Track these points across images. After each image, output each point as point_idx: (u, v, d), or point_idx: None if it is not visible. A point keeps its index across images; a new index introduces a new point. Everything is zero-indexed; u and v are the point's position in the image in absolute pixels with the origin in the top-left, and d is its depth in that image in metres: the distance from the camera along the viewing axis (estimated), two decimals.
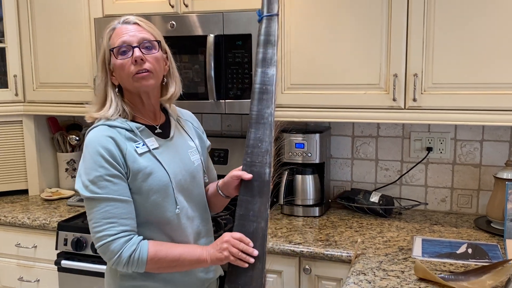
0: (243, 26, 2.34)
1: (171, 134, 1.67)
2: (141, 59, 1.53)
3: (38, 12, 2.79)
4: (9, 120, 2.92)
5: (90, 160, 1.51)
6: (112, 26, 1.60)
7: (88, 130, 1.59)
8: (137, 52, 1.54)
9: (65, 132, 3.10)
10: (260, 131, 1.58)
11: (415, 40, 2.15)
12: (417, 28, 2.14)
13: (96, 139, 1.53)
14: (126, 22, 1.59)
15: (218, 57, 2.41)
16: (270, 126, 1.59)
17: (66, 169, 3.08)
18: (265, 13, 1.62)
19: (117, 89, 1.61)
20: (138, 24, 1.60)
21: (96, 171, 1.50)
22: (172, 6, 2.49)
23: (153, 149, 1.59)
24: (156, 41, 1.60)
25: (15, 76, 2.86)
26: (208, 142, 1.87)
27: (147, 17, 2.46)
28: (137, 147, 1.56)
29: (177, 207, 1.59)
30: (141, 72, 1.54)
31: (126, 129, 1.57)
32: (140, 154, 1.56)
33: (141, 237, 1.55)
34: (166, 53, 1.66)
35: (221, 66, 2.42)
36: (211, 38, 2.37)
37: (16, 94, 2.88)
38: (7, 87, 2.88)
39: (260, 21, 1.64)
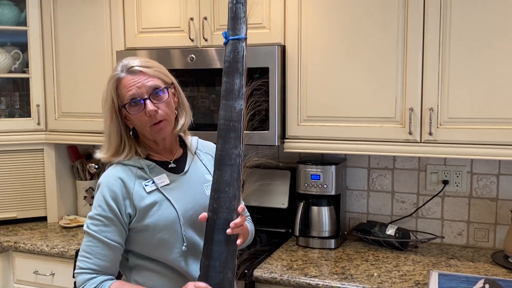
0: (260, 60, 2.39)
1: (186, 169, 1.68)
2: (155, 111, 1.55)
3: (62, 44, 2.88)
4: (31, 148, 2.99)
5: (96, 198, 1.59)
6: (116, 76, 1.58)
7: (107, 166, 1.65)
8: (149, 105, 1.54)
9: (84, 160, 3.15)
10: (227, 173, 1.42)
11: (431, 74, 2.18)
12: (433, 62, 2.17)
13: (106, 179, 1.59)
14: (130, 72, 1.56)
15: None
16: (238, 169, 1.43)
17: (85, 197, 3.13)
18: (230, 36, 1.42)
19: (131, 131, 1.63)
20: (143, 72, 1.56)
21: (95, 209, 1.57)
22: (192, 40, 2.56)
23: (163, 186, 1.60)
24: (165, 87, 1.59)
25: (38, 105, 2.94)
26: None
27: (167, 50, 2.54)
28: (146, 185, 1.59)
29: (184, 244, 1.59)
30: (157, 123, 1.56)
31: (138, 167, 1.60)
32: (149, 192, 1.58)
33: (106, 277, 1.56)
34: (173, 86, 1.65)
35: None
36: None
37: (38, 123, 2.95)
38: (29, 116, 2.96)
39: (226, 44, 1.43)
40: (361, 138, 2.32)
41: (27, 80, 2.96)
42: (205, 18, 2.52)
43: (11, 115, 3.03)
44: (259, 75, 2.42)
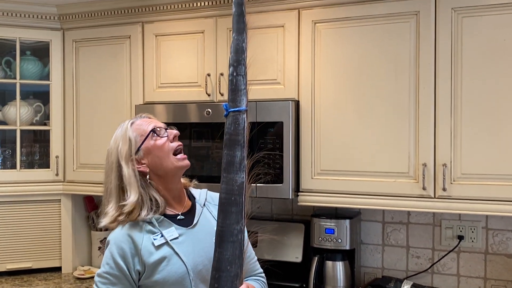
0: (275, 114, 2.45)
1: (195, 222, 1.67)
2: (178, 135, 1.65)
3: (83, 97, 2.97)
4: (48, 199, 3.04)
5: (105, 255, 1.59)
6: (129, 121, 1.67)
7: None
8: (174, 130, 1.66)
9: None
10: (228, 251, 1.36)
11: (443, 130, 2.21)
12: (445, 118, 2.21)
13: (114, 236, 1.59)
14: (140, 118, 1.70)
15: (250, 142, 2.49)
16: (240, 245, 1.37)
17: (99, 248, 3.14)
18: (231, 108, 1.39)
19: (148, 180, 1.62)
20: (151, 117, 1.71)
21: (103, 267, 1.57)
22: (209, 95, 2.63)
23: (171, 239, 1.59)
24: None
25: (57, 157, 3.01)
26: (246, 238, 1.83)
27: (184, 105, 2.61)
28: (154, 239, 1.58)
29: None
30: (180, 151, 1.64)
31: (147, 222, 1.60)
32: (157, 247, 1.57)
33: None
34: None
35: (253, 151, 2.50)
36: None
37: (57, 174, 3.01)
38: (48, 167, 3.02)
39: (226, 116, 1.41)
40: (375, 193, 2.33)
41: (47, 132, 3.05)
42: (222, 74, 2.60)
43: (30, 166, 3.10)
44: (273, 129, 2.47)
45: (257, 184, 2.48)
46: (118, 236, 1.57)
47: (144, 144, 1.62)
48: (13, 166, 3.03)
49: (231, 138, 1.38)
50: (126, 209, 1.57)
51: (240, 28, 1.38)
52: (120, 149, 1.62)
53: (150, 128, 1.63)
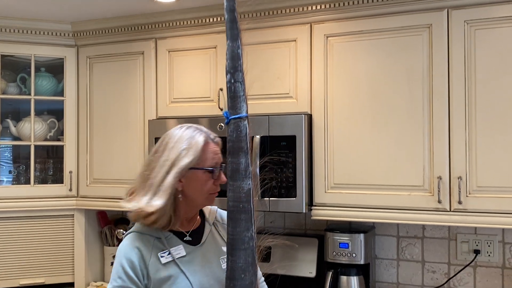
0: (288, 128, 2.45)
1: (203, 240, 1.65)
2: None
3: (96, 112, 3.00)
4: (61, 214, 3.05)
5: (115, 269, 1.57)
6: (205, 136, 1.60)
7: (124, 234, 1.64)
8: (223, 177, 1.59)
9: (113, 226, 3.19)
10: (241, 259, 1.34)
11: (458, 142, 2.20)
12: (459, 130, 2.19)
13: (124, 249, 1.57)
14: (214, 141, 1.62)
15: (263, 156, 2.50)
16: (252, 252, 1.35)
17: (112, 263, 3.13)
18: (231, 115, 1.37)
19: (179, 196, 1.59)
20: (218, 144, 1.65)
21: (115, 280, 1.54)
22: (221, 109, 2.64)
23: (178, 257, 1.57)
24: None
25: (70, 172, 3.02)
26: (260, 274, 1.77)
27: (197, 119, 2.63)
28: (161, 256, 1.56)
29: None
30: (216, 193, 1.63)
31: (155, 237, 1.58)
32: (164, 264, 1.56)
33: None
34: None
35: (266, 165, 2.50)
36: (257, 138, 2.47)
37: (70, 189, 3.02)
38: (62, 183, 3.04)
39: (227, 124, 1.39)
40: (389, 206, 2.31)
41: (60, 148, 3.07)
42: None
43: (44, 181, 3.12)
44: (286, 143, 2.47)
45: (270, 198, 2.48)
46: (127, 250, 1.56)
47: (199, 171, 1.58)
48: (27, 182, 3.04)
49: (234, 145, 1.36)
50: (150, 209, 1.54)
51: (234, 35, 1.35)
52: (181, 156, 1.56)
53: (213, 163, 1.59)
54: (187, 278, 1.55)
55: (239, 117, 1.36)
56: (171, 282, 1.54)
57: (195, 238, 1.65)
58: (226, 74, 1.36)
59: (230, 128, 1.37)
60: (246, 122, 1.37)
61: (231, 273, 1.36)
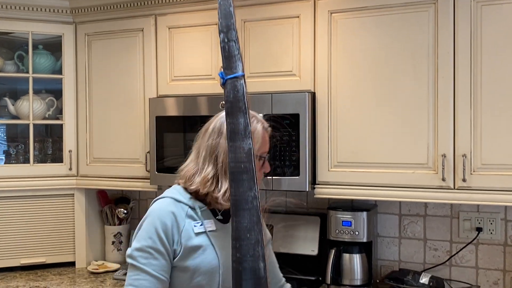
0: (291, 106, 2.42)
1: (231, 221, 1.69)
2: None
3: (95, 91, 2.96)
4: (61, 193, 3.03)
5: (145, 229, 1.58)
6: (261, 126, 1.68)
7: (154, 200, 1.65)
8: (268, 166, 1.68)
9: (113, 205, 3.18)
10: (245, 219, 1.35)
11: (463, 120, 2.18)
12: (464, 108, 2.18)
13: (158, 211, 1.59)
14: (268, 131, 1.70)
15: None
16: (256, 212, 1.36)
17: (113, 242, 3.13)
18: (227, 75, 1.35)
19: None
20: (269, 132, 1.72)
21: (145, 240, 1.56)
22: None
23: (209, 231, 1.62)
24: None
25: (70, 151, 2.99)
26: (268, 235, 1.86)
27: (198, 97, 2.60)
28: (194, 226, 1.60)
29: None
30: (259, 181, 1.65)
31: (190, 207, 1.62)
32: (196, 234, 1.59)
33: None
34: None
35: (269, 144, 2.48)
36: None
37: (70, 169, 3.00)
38: (62, 162, 3.01)
39: (224, 84, 1.38)
40: (393, 184, 2.31)
41: (59, 126, 3.04)
42: None
43: (43, 160, 3.09)
44: (289, 121, 2.45)
45: (273, 177, 2.47)
46: (162, 213, 1.58)
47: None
48: (26, 161, 3.02)
49: (232, 105, 1.31)
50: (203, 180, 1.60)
51: None
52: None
53: (263, 151, 1.67)
54: (215, 250, 1.59)
55: (235, 77, 1.31)
56: (200, 252, 1.58)
57: (225, 218, 1.68)
58: (219, 34, 1.30)
59: (227, 89, 1.33)
60: (242, 81, 1.33)
61: (236, 234, 1.34)
